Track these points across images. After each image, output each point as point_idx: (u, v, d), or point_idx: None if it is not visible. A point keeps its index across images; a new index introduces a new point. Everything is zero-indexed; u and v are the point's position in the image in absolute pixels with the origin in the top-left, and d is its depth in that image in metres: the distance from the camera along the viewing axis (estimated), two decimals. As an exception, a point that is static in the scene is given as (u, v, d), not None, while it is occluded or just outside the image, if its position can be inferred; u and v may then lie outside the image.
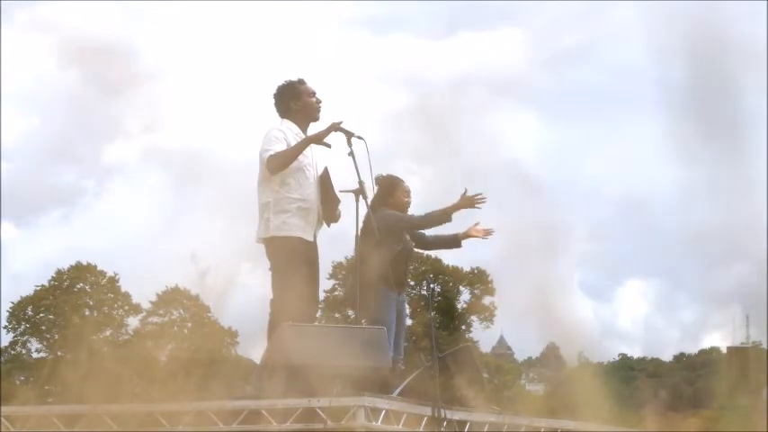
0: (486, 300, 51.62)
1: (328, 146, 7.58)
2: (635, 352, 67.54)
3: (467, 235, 8.41)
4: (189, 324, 44.22)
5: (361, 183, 7.56)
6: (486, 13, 76.23)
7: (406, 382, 7.46)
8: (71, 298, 46.67)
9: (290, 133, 7.61)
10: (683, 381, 47.53)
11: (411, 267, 8.61)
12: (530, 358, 59.57)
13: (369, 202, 7.65)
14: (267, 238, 7.53)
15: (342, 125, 7.52)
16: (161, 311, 46.33)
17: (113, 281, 47.95)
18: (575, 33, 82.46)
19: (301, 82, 7.81)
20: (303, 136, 7.64)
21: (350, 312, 33.60)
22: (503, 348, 59.37)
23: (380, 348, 7.11)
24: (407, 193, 8.30)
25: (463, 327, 51.71)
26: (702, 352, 53.74)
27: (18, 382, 38.91)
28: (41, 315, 47.67)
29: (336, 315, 44.42)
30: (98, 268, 48.12)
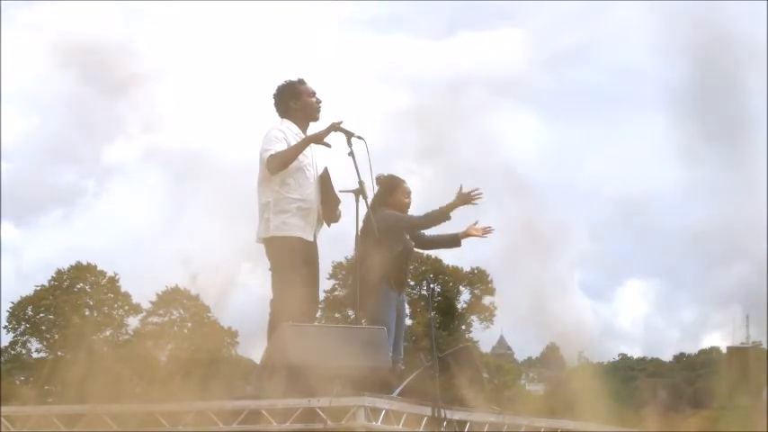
0: (486, 300, 51.66)
1: (328, 146, 7.57)
2: (635, 352, 67.62)
3: (466, 234, 8.41)
4: (189, 324, 44.23)
5: (361, 183, 7.56)
6: (486, 13, 76.13)
7: (406, 382, 7.46)
8: (71, 298, 46.67)
9: (289, 133, 7.61)
10: (683, 381, 47.57)
11: (411, 267, 8.61)
12: (530, 358, 59.63)
13: (369, 202, 7.64)
14: (267, 238, 7.53)
15: (342, 125, 7.51)
16: (161, 311, 46.34)
17: (113, 281, 47.96)
18: (575, 33, 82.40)
19: (301, 82, 7.80)
20: (303, 136, 7.64)
21: (350, 312, 33.61)
22: (503, 348, 59.37)
23: (380, 348, 7.11)
24: (408, 193, 8.30)
25: (463, 327, 51.70)
26: (702, 352, 53.77)
27: (18, 382, 38.90)
28: (41, 315, 47.68)
29: (336, 315, 44.44)
30: (98, 268, 48.16)
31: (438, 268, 49.56)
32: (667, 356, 64.44)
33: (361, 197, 7.58)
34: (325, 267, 13.18)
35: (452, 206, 8.06)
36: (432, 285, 49.78)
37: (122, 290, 47.67)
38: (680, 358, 62.74)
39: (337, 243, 8.44)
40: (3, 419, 7.14)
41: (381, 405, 6.63)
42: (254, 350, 8.05)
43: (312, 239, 7.60)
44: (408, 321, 8.83)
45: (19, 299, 47.68)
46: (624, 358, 65.09)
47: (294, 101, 7.74)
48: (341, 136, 7.53)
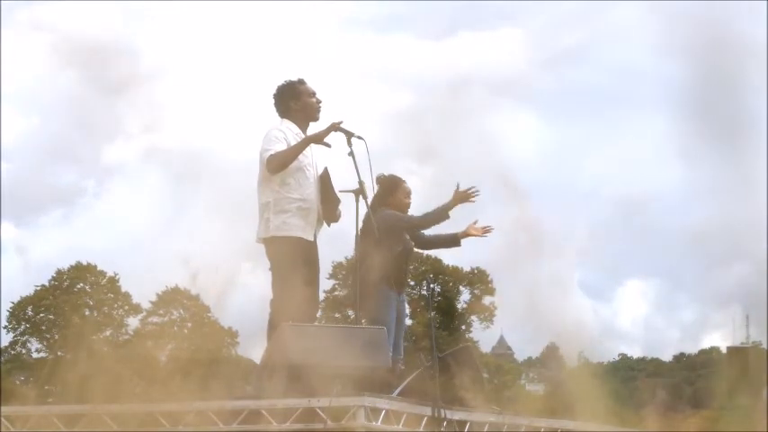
0: (486, 300, 51.65)
1: (328, 146, 7.58)
2: (635, 352, 67.61)
3: (466, 234, 8.41)
4: (189, 324, 44.23)
5: (361, 183, 7.56)
6: (486, 13, 76.25)
7: (406, 382, 7.46)
8: (71, 298, 46.67)
9: (289, 133, 7.61)
10: (683, 381, 47.59)
11: (411, 267, 8.61)
12: (530, 358, 59.59)
13: (369, 202, 7.64)
14: (267, 238, 7.53)
15: (342, 125, 7.51)
16: (161, 311, 46.34)
17: (113, 281, 47.95)
18: (574, 33, 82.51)
19: (301, 82, 7.80)
20: (303, 136, 7.64)
21: (350, 312, 33.62)
22: (503, 348, 59.35)
23: (380, 348, 7.11)
24: (408, 193, 8.30)
25: (463, 327, 51.70)
26: (702, 352, 53.78)
27: (18, 382, 38.89)
28: (41, 315, 47.68)
29: (336, 315, 44.45)
30: (98, 268, 48.15)
31: (438, 268, 49.55)
32: (667, 356, 64.49)
33: (361, 197, 7.59)
34: (325, 267, 13.18)
35: (451, 205, 8.06)
36: (432, 285, 49.81)
37: (122, 290, 47.71)
38: (680, 358, 62.75)
39: (337, 243, 8.44)
40: (3, 419, 7.14)
41: (381, 405, 6.63)
42: (254, 350, 8.06)
43: (312, 239, 7.60)
44: (408, 321, 8.83)
45: (19, 299, 47.76)
46: (624, 358, 65.09)
47: (294, 101, 7.75)
48: (341, 136, 7.53)
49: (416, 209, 8.29)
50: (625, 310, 72.05)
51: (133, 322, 47.28)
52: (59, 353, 40.20)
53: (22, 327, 47.81)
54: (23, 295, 47.69)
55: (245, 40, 71.23)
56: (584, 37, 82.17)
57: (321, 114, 7.79)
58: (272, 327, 7.34)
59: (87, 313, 46.29)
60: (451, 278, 51.95)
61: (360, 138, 7.53)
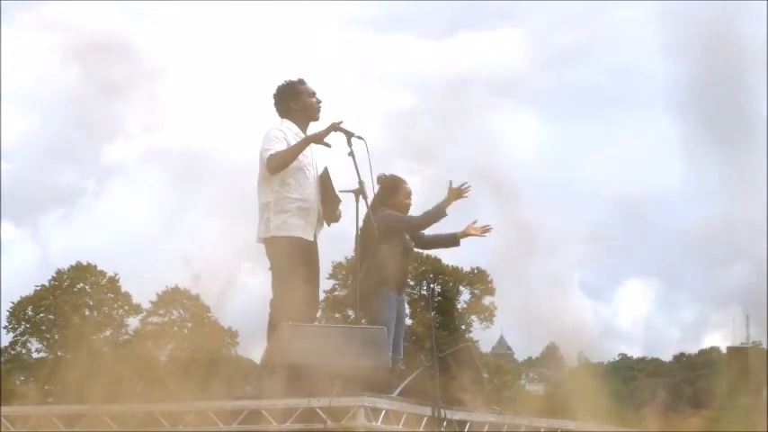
0: (486, 300, 51.63)
1: (328, 146, 7.58)
2: (635, 352, 67.55)
3: (465, 234, 8.41)
4: (189, 324, 44.22)
5: (361, 183, 7.55)
6: (486, 13, 76.22)
7: (406, 382, 7.46)
8: (71, 298, 46.65)
9: (289, 133, 7.61)
10: (683, 381, 47.55)
11: (411, 267, 8.61)
12: (530, 358, 59.57)
13: (369, 202, 7.64)
14: (267, 237, 7.53)
15: (342, 125, 7.51)
16: (161, 311, 46.33)
17: (113, 281, 47.94)
18: (574, 33, 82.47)
19: (301, 82, 7.80)
20: (303, 136, 7.64)
21: (350, 312, 33.61)
22: (503, 348, 59.34)
23: (380, 348, 7.10)
24: (409, 194, 8.30)
25: (463, 327, 51.68)
26: (702, 352, 53.73)
27: (18, 382, 38.89)
28: (41, 315, 47.66)
29: (336, 315, 44.43)
30: (98, 268, 48.13)
31: (438, 268, 49.55)
32: (667, 356, 64.43)
33: (361, 197, 7.58)
34: (325, 267, 13.20)
35: (446, 202, 8.08)
36: (432, 285, 49.81)
37: (122, 290, 47.69)
38: (680, 358, 62.71)
39: (337, 243, 8.44)
40: (3, 419, 7.14)
41: (381, 405, 6.63)
42: (254, 350, 8.06)
43: (312, 239, 7.60)
44: (408, 321, 8.82)
45: (19, 299, 47.76)
46: (624, 358, 65.06)
47: (294, 101, 7.75)
48: (341, 136, 7.53)
49: (416, 209, 8.30)
50: (625, 310, 72.05)
51: (133, 322, 47.33)
52: (59, 353, 40.21)
53: (22, 327, 47.79)
54: (23, 295, 47.76)
55: (246, 40, 71.24)
56: (583, 37, 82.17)
57: (321, 114, 7.79)
58: (272, 327, 7.34)
59: (87, 313, 46.28)
60: (451, 278, 51.92)
61: (360, 138, 7.53)
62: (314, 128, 7.72)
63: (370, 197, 7.75)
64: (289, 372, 6.69)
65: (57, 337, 44.96)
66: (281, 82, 7.83)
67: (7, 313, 47.42)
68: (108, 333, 45.73)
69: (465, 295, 52.71)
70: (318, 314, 8.20)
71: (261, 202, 7.60)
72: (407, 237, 8.29)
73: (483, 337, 52.86)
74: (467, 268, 50.90)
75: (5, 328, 47.81)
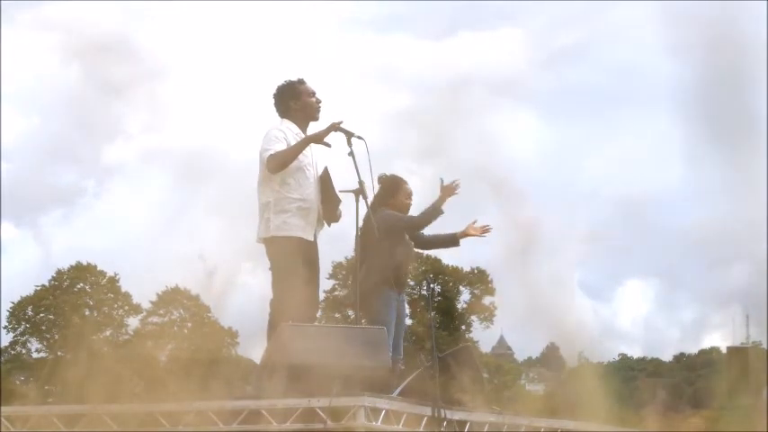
0: (486, 300, 51.64)
1: (328, 146, 7.58)
2: (635, 352, 67.54)
3: (465, 234, 8.41)
4: (189, 324, 44.21)
5: (361, 183, 7.55)
6: (486, 13, 76.22)
7: (406, 382, 7.46)
8: (71, 298, 46.66)
9: (289, 133, 7.61)
10: (683, 381, 47.56)
11: (411, 267, 8.61)
12: (530, 358, 59.64)
13: (369, 202, 7.64)
14: (267, 237, 7.53)
15: (342, 125, 7.51)
16: (161, 311, 46.33)
17: (113, 281, 47.94)
18: (574, 33, 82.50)
19: (301, 82, 7.80)
20: (303, 136, 7.64)
21: (350, 312, 33.61)
22: (503, 348, 59.36)
23: (380, 348, 7.10)
24: (409, 194, 8.30)
25: (463, 327, 51.69)
26: (702, 352, 53.72)
27: (18, 382, 38.89)
28: (41, 315, 47.67)
29: (336, 315, 44.43)
30: (98, 268, 48.14)
31: (438, 268, 49.54)
32: (667, 356, 64.42)
33: (361, 197, 7.58)
34: (325, 267, 13.19)
35: (441, 200, 8.08)
36: (432, 285, 49.80)
37: (122, 290, 47.70)
38: (680, 358, 62.70)
39: (337, 243, 8.44)
40: (3, 419, 7.14)
41: (381, 405, 6.63)
42: (254, 350, 8.06)
43: (312, 239, 7.60)
44: (408, 321, 8.82)
45: (19, 299, 47.76)
46: (624, 358, 65.04)
47: (294, 101, 7.75)
48: (341, 136, 7.52)
49: (416, 209, 8.29)
50: (625, 310, 72.06)
51: (133, 322, 47.32)
52: (59, 353, 40.21)
53: (22, 327, 47.80)
54: (23, 295, 47.76)
55: (246, 40, 71.26)
56: (583, 37, 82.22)
57: (321, 114, 7.79)
58: (272, 327, 7.34)
59: (87, 313, 46.29)
60: (451, 278, 51.93)
61: (360, 138, 7.53)
62: (314, 128, 7.72)
63: (371, 197, 7.75)
64: (289, 372, 6.69)
65: (57, 337, 44.96)
66: (280, 82, 7.83)
67: (7, 313, 47.49)
68: (108, 333, 45.73)
69: (465, 295, 52.76)
70: (318, 314, 8.20)
71: (261, 202, 7.60)
72: (407, 237, 8.29)
73: (483, 337, 52.92)
74: (467, 268, 50.97)
75: (5, 328, 47.89)
